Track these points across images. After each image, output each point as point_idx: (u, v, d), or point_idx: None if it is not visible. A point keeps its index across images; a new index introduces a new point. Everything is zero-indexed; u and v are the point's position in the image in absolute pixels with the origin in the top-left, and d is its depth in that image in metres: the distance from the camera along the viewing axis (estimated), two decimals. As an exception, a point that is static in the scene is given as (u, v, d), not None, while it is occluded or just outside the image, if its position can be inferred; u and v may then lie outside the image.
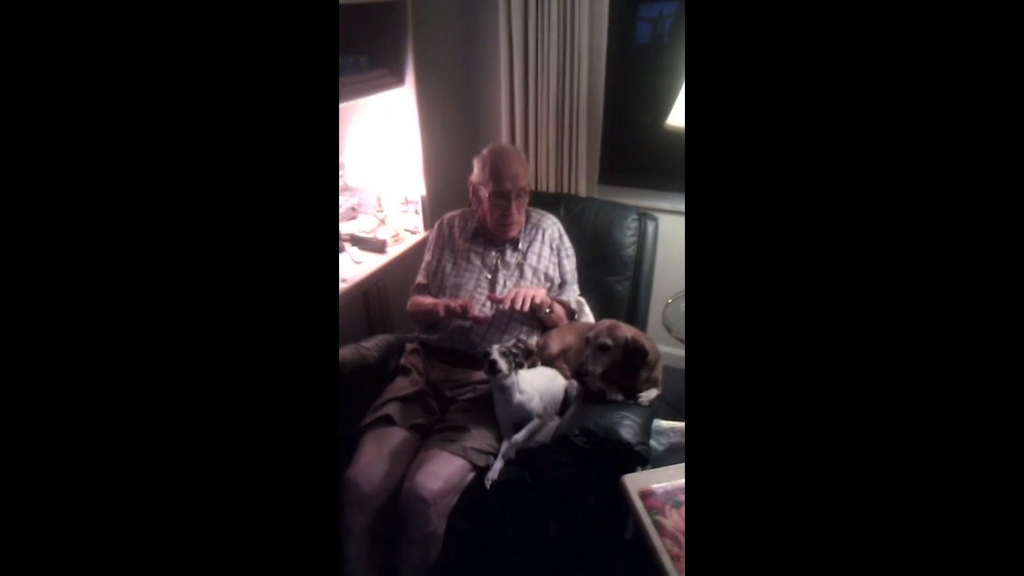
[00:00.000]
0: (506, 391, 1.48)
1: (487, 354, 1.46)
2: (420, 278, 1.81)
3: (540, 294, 1.62)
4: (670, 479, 1.21)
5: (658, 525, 1.12)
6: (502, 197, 1.66)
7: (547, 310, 1.68)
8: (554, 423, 1.55)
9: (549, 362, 1.69)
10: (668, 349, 2.13)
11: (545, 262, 1.75)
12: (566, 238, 1.81)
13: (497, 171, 1.65)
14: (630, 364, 1.49)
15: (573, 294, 1.80)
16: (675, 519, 1.13)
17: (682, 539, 1.09)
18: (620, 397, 1.51)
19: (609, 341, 1.48)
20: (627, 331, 1.51)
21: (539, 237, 1.76)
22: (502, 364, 1.45)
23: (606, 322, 1.58)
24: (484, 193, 1.68)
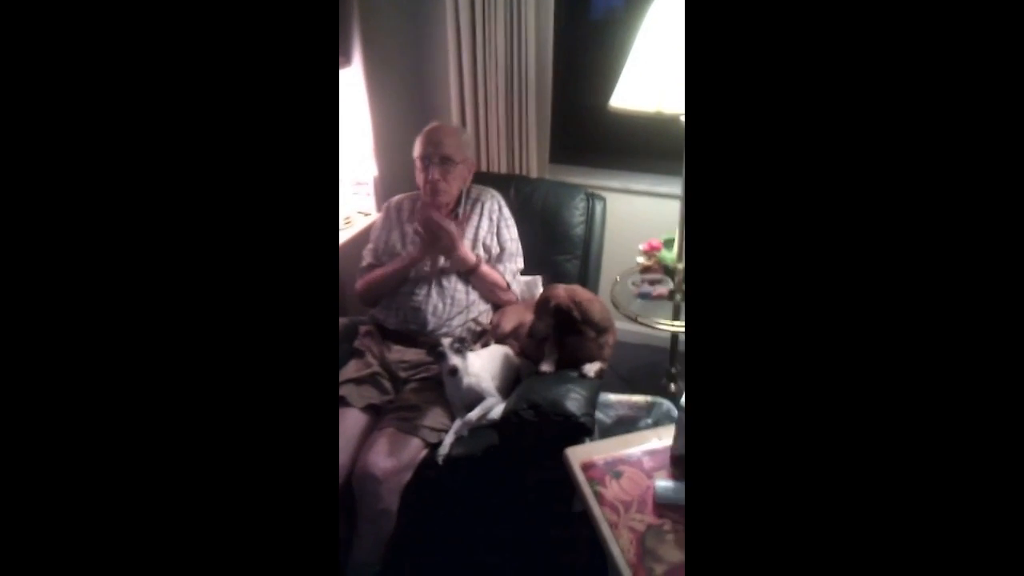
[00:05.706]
0: (455, 375, 1.52)
1: (436, 346, 1.52)
2: (369, 259, 1.83)
3: (451, 228, 1.66)
4: (610, 451, 1.26)
5: (598, 495, 1.17)
6: (424, 159, 1.74)
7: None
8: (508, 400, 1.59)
9: (502, 340, 1.73)
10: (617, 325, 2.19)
11: (483, 233, 1.82)
12: (506, 209, 1.87)
13: (425, 138, 1.76)
14: (561, 327, 1.56)
15: (513, 265, 1.84)
16: (614, 489, 1.18)
17: (621, 508, 1.15)
18: (550, 368, 1.57)
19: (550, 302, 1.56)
20: (558, 293, 1.57)
21: (477, 210, 1.83)
22: (452, 358, 1.51)
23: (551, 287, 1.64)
24: (415, 160, 1.77)
